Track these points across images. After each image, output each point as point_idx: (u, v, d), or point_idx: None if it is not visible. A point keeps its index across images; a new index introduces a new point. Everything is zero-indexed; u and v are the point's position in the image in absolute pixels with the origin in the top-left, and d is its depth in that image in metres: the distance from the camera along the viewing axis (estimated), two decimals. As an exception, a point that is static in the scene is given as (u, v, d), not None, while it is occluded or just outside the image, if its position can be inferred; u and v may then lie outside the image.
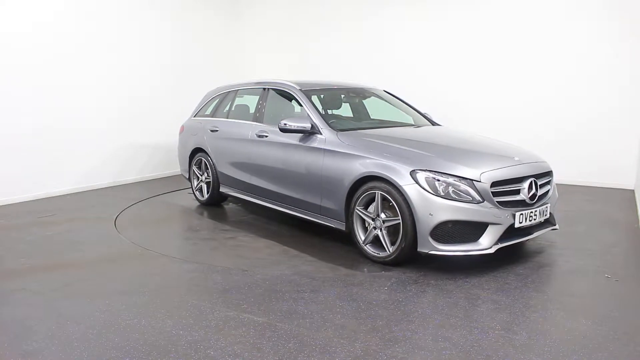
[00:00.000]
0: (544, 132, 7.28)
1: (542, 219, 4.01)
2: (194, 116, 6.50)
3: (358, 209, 4.06)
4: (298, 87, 5.04)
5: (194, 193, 6.36)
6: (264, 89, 5.48)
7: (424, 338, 2.78)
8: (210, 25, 9.11)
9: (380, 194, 3.86)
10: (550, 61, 7.18)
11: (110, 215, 5.59)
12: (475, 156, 4.05)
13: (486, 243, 3.68)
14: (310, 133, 4.56)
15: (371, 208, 3.98)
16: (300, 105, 4.94)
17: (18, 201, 6.21)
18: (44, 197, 6.47)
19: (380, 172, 3.87)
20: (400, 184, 3.72)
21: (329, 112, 5.22)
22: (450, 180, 3.68)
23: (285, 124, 4.56)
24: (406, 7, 8.16)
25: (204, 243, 4.69)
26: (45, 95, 6.46)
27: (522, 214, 3.80)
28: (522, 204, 3.85)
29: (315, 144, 4.49)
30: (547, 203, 4.08)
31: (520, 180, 3.87)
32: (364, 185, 4.00)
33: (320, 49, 9.04)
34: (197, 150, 6.17)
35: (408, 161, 3.82)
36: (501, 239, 3.75)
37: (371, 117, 5.53)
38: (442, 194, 3.65)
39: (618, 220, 5.29)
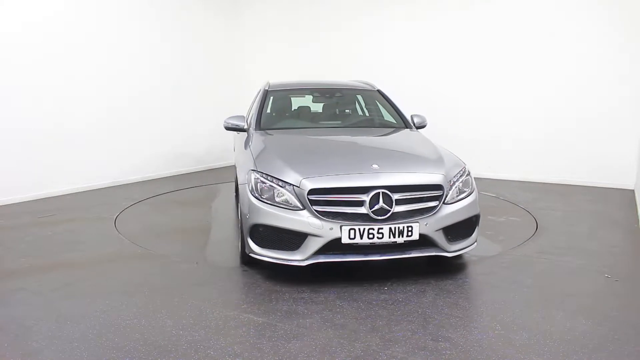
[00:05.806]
0: (544, 132, 7.28)
1: (402, 240, 3.42)
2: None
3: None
4: (267, 87, 5.22)
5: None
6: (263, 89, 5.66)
7: (424, 338, 2.78)
8: (210, 25, 9.10)
9: None
10: (550, 61, 7.17)
11: (110, 215, 5.59)
12: (327, 162, 3.71)
13: (300, 255, 3.42)
14: (247, 131, 4.75)
15: None
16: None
17: (18, 201, 6.20)
18: (44, 197, 6.46)
19: (238, 170, 3.95)
20: (239, 182, 3.82)
21: (285, 112, 5.33)
22: (274, 183, 3.53)
23: (226, 122, 4.80)
24: (409, 7, 8.16)
25: (185, 233, 4.78)
26: (44, 95, 6.45)
27: (353, 229, 3.35)
28: (364, 217, 3.39)
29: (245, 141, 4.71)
30: (417, 222, 3.43)
31: (364, 190, 3.41)
32: None
33: (320, 49, 9.03)
34: None
35: (253, 163, 3.78)
36: (335, 253, 3.44)
37: (358, 117, 5.44)
38: (262, 196, 3.53)
39: (618, 220, 5.29)
